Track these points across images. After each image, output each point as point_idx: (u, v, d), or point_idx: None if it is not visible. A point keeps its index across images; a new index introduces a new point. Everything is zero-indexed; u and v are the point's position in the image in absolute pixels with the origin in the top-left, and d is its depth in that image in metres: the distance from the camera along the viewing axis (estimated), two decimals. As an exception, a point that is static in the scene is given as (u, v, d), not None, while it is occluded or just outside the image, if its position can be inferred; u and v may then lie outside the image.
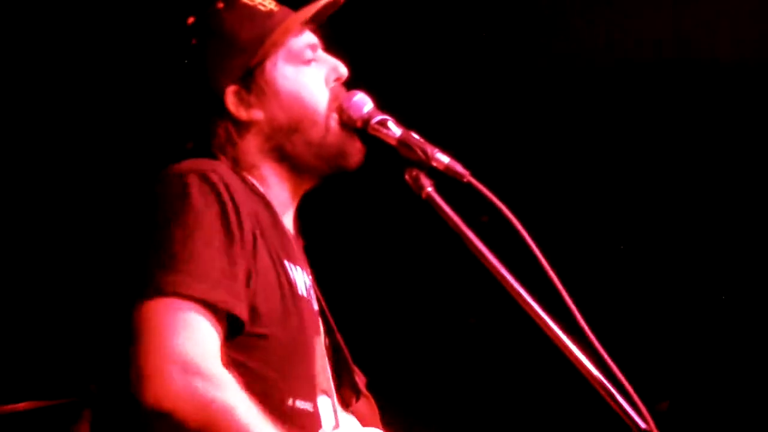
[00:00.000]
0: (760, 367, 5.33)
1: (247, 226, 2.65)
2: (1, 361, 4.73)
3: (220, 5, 2.92)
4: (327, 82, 2.92)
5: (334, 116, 2.89)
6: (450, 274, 5.13)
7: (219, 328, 2.56)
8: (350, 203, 4.68)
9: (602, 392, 2.55)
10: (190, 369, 2.47)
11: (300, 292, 2.78)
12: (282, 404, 2.69)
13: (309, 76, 2.90)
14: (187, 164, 2.71)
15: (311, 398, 2.77)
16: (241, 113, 2.86)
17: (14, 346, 4.94)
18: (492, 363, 5.38)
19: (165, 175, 2.68)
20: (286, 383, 2.70)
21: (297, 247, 2.92)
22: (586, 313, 2.61)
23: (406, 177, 2.78)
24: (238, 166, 2.86)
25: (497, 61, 5.30)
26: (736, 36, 5.26)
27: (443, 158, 2.79)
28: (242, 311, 2.58)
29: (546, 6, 5.29)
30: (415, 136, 2.83)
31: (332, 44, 2.99)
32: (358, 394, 2.95)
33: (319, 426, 2.78)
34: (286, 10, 2.94)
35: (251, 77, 2.87)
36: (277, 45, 2.88)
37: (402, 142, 2.82)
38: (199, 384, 2.47)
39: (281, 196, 2.90)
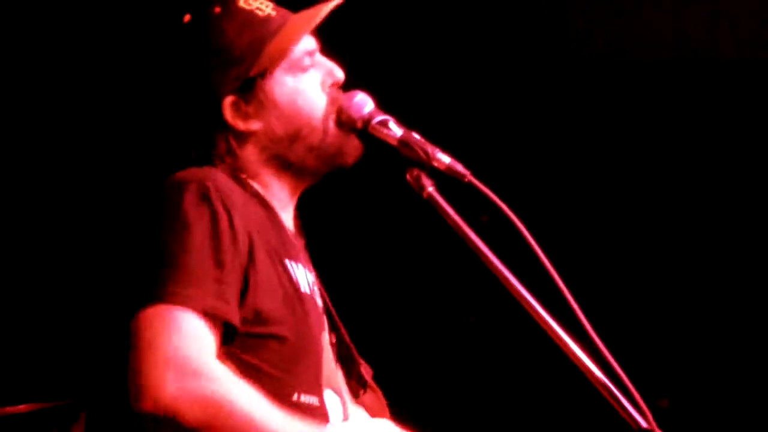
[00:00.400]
0: (761, 366, 5.33)
1: (242, 231, 2.66)
2: (1, 363, 4.73)
3: (217, 10, 2.88)
4: (324, 87, 2.90)
5: (332, 117, 2.89)
6: (450, 273, 5.14)
7: (213, 332, 2.58)
8: (352, 203, 4.69)
9: (602, 390, 2.55)
10: (186, 370, 2.50)
11: (303, 290, 2.79)
12: (288, 399, 2.70)
13: (306, 84, 2.88)
14: (186, 173, 2.72)
15: (317, 393, 2.78)
16: (239, 124, 2.84)
17: (14, 348, 4.94)
18: (492, 361, 5.39)
19: (164, 184, 2.70)
20: (291, 379, 2.72)
21: (298, 245, 2.93)
22: (587, 312, 2.61)
23: (408, 177, 2.78)
24: (239, 173, 2.87)
25: (497, 61, 5.30)
26: (736, 36, 5.26)
27: (444, 158, 2.78)
28: (234, 317, 2.61)
29: (546, 6, 5.29)
30: (416, 136, 2.82)
31: (332, 45, 2.99)
32: (364, 386, 2.97)
33: (327, 420, 2.79)
34: (284, 13, 2.91)
35: (249, 87, 2.84)
36: (275, 58, 2.85)
37: (403, 142, 2.81)
38: (196, 383, 2.50)
39: (281, 196, 2.91)
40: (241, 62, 2.84)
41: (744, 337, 5.33)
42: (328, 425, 2.76)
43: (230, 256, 2.62)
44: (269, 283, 2.70)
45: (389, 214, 4.97)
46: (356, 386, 2.97)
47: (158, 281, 2.57)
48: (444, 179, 2.78)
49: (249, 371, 2.66)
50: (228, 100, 2.85)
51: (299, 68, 2.89)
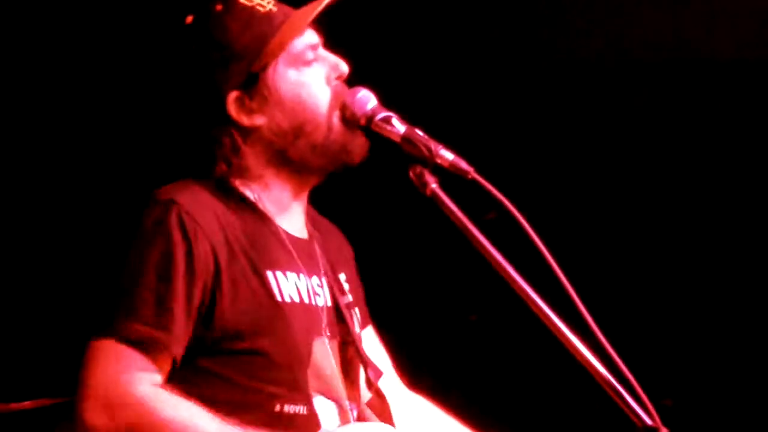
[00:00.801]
0: (767, 365, 5.32)
1: (203, 256, 2.70)
2: (5, 360, 4.73)
3: (219, 7, 2.89)
4: (328, 81, 2.90)
5: (337, 114, 2.88)
6: (453, 270, 5.13)
7: (154, 362, 2.66)
8: (354, 200, 4.68)
9: (607, 388, 2.55)
10: (106, 402, 2.60)
11: (286, 299, 2.80)
12: (270, 411, 2.74)
13: (310, 77, 2.88)
14: (164, 191, 2.78)
15: (304, 401, 2.79)
16: (243, 120, 2.85)
17: (20, 345, 4.95)
18: (495, 360, 5.38)
19: (146, 203, 2.77)
20: (273, 390, 2.75)
21: (300, 249, 2.91)
22: (592, 310, 2.61)
23: (411, 174, 2.78)
24: (242, 176, 2.86)
25: (498, 59, 5.30)
26: (736, 36, 5.26)
27: (447, 155, 2.78)
28: (175, 350, 2.67)
29: (546, 6, 5.29)
30: (419, 133, 2.83)
31: (335, 40, 2.98)
32: (371, 389, 2.96)
33: (317, 427, 2.80)
34: (285, 9, 2.92)
35: (253, 83, 2.85)
36: (276, 51, 2.86)
37: (406, 139, 2.81)
38: (118, 413, 2.60)
39: (282, 199, 2.90)
40: (243, 58, 2.84)
41: (749, 336, 5.32)
42: None
43: (182, 287, 2.67)
44: (240, 300, 2.73)
45: (392, 211, 4.97)
46: (363, 390, 2.97)
47: (107, 311, 2.68)
48: (447, 176, 2.77)
49: (229, 386, 2.72)
50: (232, 96, 2.85)
51: (302, 62, 2.89)
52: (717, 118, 5.36)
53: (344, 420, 2.89)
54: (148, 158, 4.62)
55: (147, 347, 2.65)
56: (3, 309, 4.95)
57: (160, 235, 2.69)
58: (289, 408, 2.76)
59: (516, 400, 5.31)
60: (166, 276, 2.67)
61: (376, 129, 2.87)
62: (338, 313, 2.94)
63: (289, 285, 2.82)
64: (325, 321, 2.90)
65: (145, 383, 2.63)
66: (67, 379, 2.79)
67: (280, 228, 2.88)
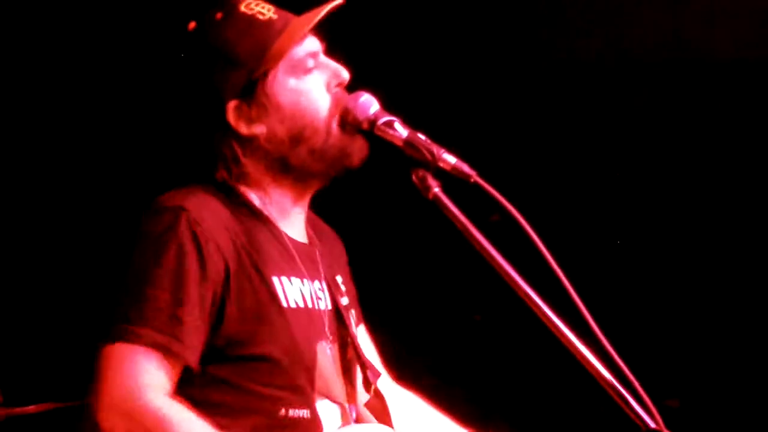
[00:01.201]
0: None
1: (214, 263, 2.70)
2: (9, 365, 4.73)
3: (219, 16, 2.88)
4: (329, 88, 2.90)
5: (336, 119, 2.88)
6: (456, 273, 5.13)
7: (167, 369, 2.67)
8: (357, 204, 4.69)
9: (610, 391, 2.55)
10: (124, 410, 2.62)
11: (290, 305, 2.80)
12: (274, 416, 2.75)
13: (309, 84, 2.88)
14: (168, 197, 2.77)
15: (307, 405, 2.80)
16: (243, 128, 2.84)
17: (23, 349, 4.95)
18: (498, 361, 5.39)
19: (148, 209, 2.77)
20: (279, 395, 2.76)
21: (303, 254, 2.92)
22: (595, 312, 2.61)
23: (413, 178, 2.78)
24: (241, 183, 2.87)
25: (499, 60, 5.30)
26: (735, 36, 5.26)
27: (450, 159, 2.78)
28: (187, 354, 2.67)
29: (546, 6, 5.30)
30: (422, 136, 2.82)
31: (336, 46, 2.98)
32: (370, 391, 2.97)
33: (320, 430, 2.81)
34: (286, 16, 2.91)
35: (252, 91, 2.84)
36: (276, 58, 2.85)
37: (408, 142, 2.81)
38: (134, 423, 2.60)
39: (283, 205, 2.90)
40: (243, 66, 2.84)
41: (755, 337, 5.32)
42: None
43: (195, 293, 2.68)
44: (247, 307, 2.73)
45: (395, 214, 4.97)
46: (361, 392, 2.98)
47: (119, 316, 2.67)
48: (450, 180, 2.78)
49: (234, 392, 2.73)
50: (231, 105, 2.84)
51: (302, 70, 2.88)
52: (717, 118, 5.36)
53: (345, 422, 2.90)
54: (150, 163, 4.62)
55: (163, 354, 2.65)
56: (6, 313, 4.96)
57: (172, 242, 2.68)
58: (293, 412, 2.77)
59: (519, 400, 5.31)
60: (179, 283, 2.67)
61: (379, 133, 2.87)
62: (338, 316, 2.95)
63: (294, 290, 2.82)
64: (327, 324, 2.91)
65: (162, 393, 2.64)
66: (69, 383, 2.82)
67: (284, 233, 2.89)
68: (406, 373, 3.20)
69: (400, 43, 5.17)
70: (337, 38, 2.99)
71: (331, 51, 2.97)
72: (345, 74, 2.92)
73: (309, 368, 2.81)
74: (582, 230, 5.30)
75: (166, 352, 2.65)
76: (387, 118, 2.87)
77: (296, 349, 2.78)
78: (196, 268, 2.68)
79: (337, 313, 2.95)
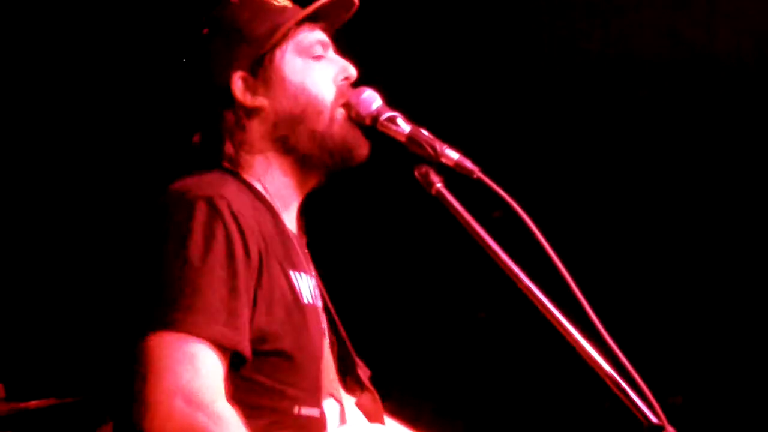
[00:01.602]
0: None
1: (254, 253, 2.66)
2: (11, 360, 4.74)
3: (235, 0, 2.93)
4: (335, 80, 2.91)
5: (340, 110, 2.88)
6: (459, 269, 5.13)
7: (223, 363, 2.58)
8: (360, 200, 4.69)
9: (613, 387, 2.55)
10: (193, 403, 2.50)
11: (305, 301, 2.79)
12: (289, 414, 2.72)
13: (316, 71, 2.90)
14: (193, 186, 2.70)
15: (317, 404, 2.79)
16: (247, 99, 2.86)
17: (26, 345, 4.96)
18: (502, 358, 5.39)
19: (170, 198, 2.68)
20: (293, 393, 2.73)
21: (300, 247, 2.92)
22: (597, 308, 2.61)
23: (416, 173, 2.78)
24: (246, 172, 2.86)
25: (501, 59, 5.31)
26: (736, 36, 5.27)
27: (453, 154, 2.79)
28: (245, 348, 2.60)
29: (546, 6, 5.30)
30: (425, 132, 2.83)
31: (343, 43, 3.00)
32: (361, 387, 2.96)
33: (324, 429, 2.80)
34: (298, 7, 2.95)
35: (259, 65, 2.87)
36: (287, 36, 2.88)
37: (411, 138, 2.82)
38: (201, 419, 2.50)
39: (285, 192, 2.89)
40: (253, 43, 2.87)
41: (758, 334, 5.33)
42: None
43: (244, 282, 2.61)
44: (273, 301, 2.70)
45: (398, 210, 4.97)
46: (353, 389, 2.97)
47: (168, 307, 2.55)
48: (452, 175, 2.78)
49: (251, 387, 2.67)
50: (237, 75, 2.86)
51: (310, 54, 2.91)
52: (717, 118, 5.37)
53: (342, 420, 2.89)
54: (150, 157, 4.62)
55: (223, 349, 2.57)
56: (9, 310, 4.96)
57: (219, 230, 2.60)
58: (306, 411, 2.74)
59: (523, 396, 5.31)
60: (232, 272, 2.59)
61: (382, 129, 2.87)
62: (328, 312, 2.95)
63: (304, 285, 2.81)
64: (323, 321, 2.91)
65: (222, 394, 2.55)
66: (72, 379, 2.75)
67: (287, 225, 2.89)
68: (408, 371, 3.20)
69: (404, 39, 5.18)
70: (340, 34, 3.00)
71: (341, 50, 2.99)
72: (352, 71, 2.94)
73: (319, 366, 2.80)
74: (585, 227, 5.30)
75: (229, 345, 2.56)
76: (390, 113, 2.88)
77: (311, 346, 2.76)
78: (243, 255, 2.62)
79: (327, 309, 2.95)
